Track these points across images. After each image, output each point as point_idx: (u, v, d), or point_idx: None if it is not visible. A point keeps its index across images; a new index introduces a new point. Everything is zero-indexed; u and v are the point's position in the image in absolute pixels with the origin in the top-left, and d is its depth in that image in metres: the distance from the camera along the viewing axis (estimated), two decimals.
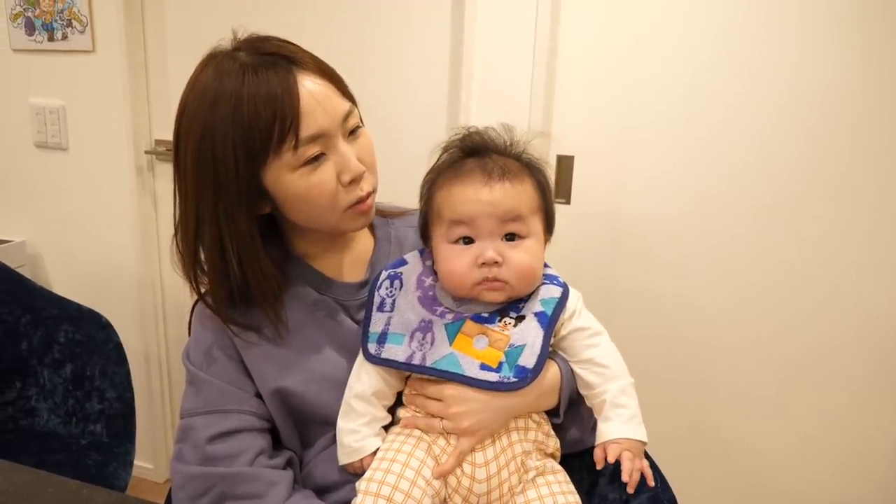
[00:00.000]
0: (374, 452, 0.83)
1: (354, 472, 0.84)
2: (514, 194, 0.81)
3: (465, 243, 0.82)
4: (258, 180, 0.82)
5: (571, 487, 0.84)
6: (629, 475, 0.78)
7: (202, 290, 0.90)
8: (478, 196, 0.81)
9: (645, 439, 0.81)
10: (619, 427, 0.81)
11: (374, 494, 0.75)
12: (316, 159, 0.82)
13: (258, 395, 0.89)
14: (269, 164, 0.81)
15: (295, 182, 0.82)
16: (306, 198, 0.83)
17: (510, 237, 0.82)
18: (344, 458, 0.85)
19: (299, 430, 0.92)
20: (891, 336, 1.47)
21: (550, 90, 1.57)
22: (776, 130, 1.45)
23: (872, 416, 1.52)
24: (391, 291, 0.88)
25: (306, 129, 0.80)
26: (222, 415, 0.86)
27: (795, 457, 1.59)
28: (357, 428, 0.84)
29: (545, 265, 0.88)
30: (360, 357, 0.87)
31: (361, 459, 0.83)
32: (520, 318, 0.83)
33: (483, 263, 0.80)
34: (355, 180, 0.85)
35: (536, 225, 0.84)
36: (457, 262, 0.82)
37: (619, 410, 0.82)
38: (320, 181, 0.82)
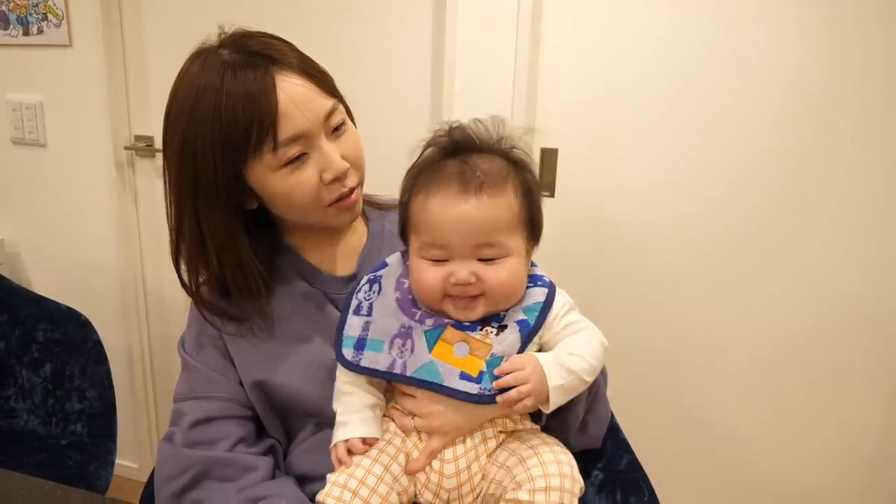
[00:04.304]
0: (364, 440, 0.80)
1: (338, 461, 0.80)
2: (492, 212, 0.77)
3: (439, 262, 0.79)
4: (241, 178, 0.84)
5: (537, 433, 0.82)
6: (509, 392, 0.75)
7: (189, 281, 0.92)
8: (453, 212, 0.77)
9: (549, 395, 0.75)
10: (544, 358, 0.77)
11: (342, 486, 0.76)
12: (298, 159, 0.83)
13: (242, 384, 0.91)
14: (250, 164, 0.82)
15: (277, 182, 0.83)
16: (289, 196, 0.84)
17: (485, 260, 0.78)
18: (334, 441, 0.83)
19: (281, 420, 0.92)
20: (879, 329, 1.48)
21: (533, 83, 1.56)
22: (761, 124, 1.45)
23: (859, 408, 1.52)
24: (368, 295, 0.86)
25: (284, 132, 0.81)
26: (206, 401, 0.89)
27: (782, 447, 1.60)
28: (347, 408, 0.83)
29: (532, 264, 0.86)
30: (339, 373, 0.85)
31: (347, 447, 0.80)
32: (502, 328, 0.80)
33: (455, 283, 0.77)
34: (339, 178, 0.85)
35: (516, 242, 0.79)
36: (427, 275, 0.79)
37: (560, 355, 0.77)
38: (301, 181, 0.83)
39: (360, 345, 0.82)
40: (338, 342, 0.84)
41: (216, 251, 0.86)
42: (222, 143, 0.80)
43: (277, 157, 0.81)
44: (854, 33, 1.36)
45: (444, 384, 0.77)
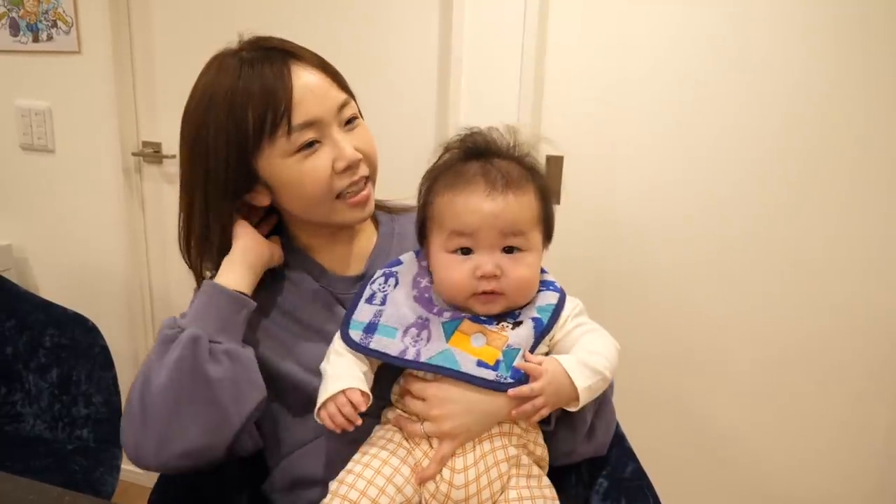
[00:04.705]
0: (363, 393, 0.78)
1: (336, 424, 0.78)
2: (517, 207, 0.80)
3: (464, 253, 0.81)
4: (251, 169, 0.86)
5: (546, 493, 0.82)
6: (527, 402, 0.77)
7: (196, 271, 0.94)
8: (480, 207, 0.80)
9: (579, 397, 0.77)
10: (568, 361, 0.78)
11: (342, 497, 0.76)
12: (310, 146, 0.85)
13: None
14: (263, 151, 0.84)
15: (289, 168, 0.85)
16: (301, 183, 0.86)
17: (509, 250, 0.81)
18: (322, 395, 0.80)
19: (277, 415, 0.91)
20: (884, 330, 1.47)
21: (539, 90, 1.56)
22: (766, 127, 1.45)
23: (865, 410, 1.52)
24: (384, 287, 0.88)
25: (298, 117, 0.83)
26: None
27: (788, 451, 1.59)
28: (337, 368, 0.82)
29: (542, 271, 0.88)
30: (336, 340, 0.85)
31: (348, 398, 0.78)
32: (517, 324, 0.82)
33: (481, 276, 0.80)
34: (350, 167, 0.87)
35: (536, 238, 0.83)
36: (454, 272, 0.81)
37: (582, 355, 0.80)
38: (314, 167, 0.85)
39: (371, 329, 0.84)
40: (345, 324, 0.85)
41: (218, 244, 0.90)
42: (236, 132, 0.83)
43: (291, 143, 0.83)
44: (860, 35, 1.36)
45: (462, 370, 0.79)
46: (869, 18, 1.35)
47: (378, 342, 0.82)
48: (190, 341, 0.81)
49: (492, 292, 0.80)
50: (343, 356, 0.83)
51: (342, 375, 0.80)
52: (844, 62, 1.38)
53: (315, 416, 0.80)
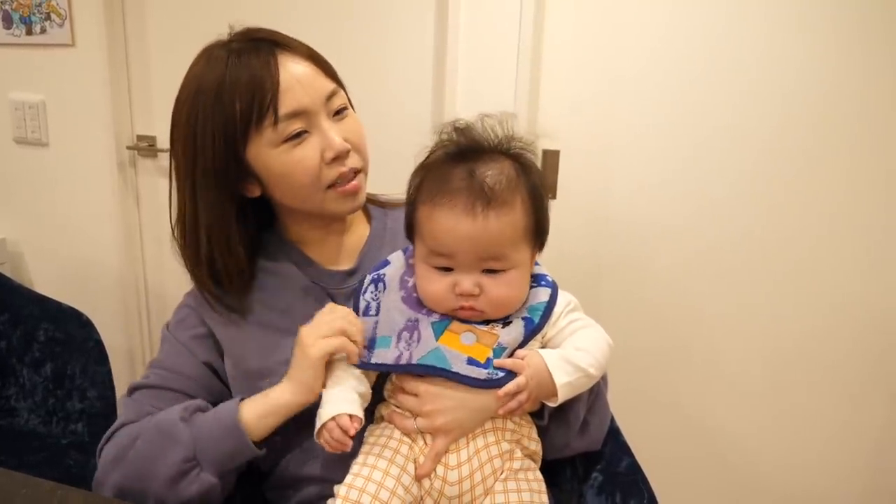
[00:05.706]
0: (351, 417, 0.78)
1: (332, 448, 0.78)
2: (498, 229, 0.77)
3: (444, 270, 0.80)
4: (240, 159, 0.85)
5: (533, 486, 0.82)
6: (513, 398, 0.77)
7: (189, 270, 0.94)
8: (458, 229, 0.77)
9: (557, 392, 0.77)
10: (550, 355, 0.79)
11: (354, 502, 0.75)
12: (298, 136, 0.84)
13: (207, 365, 0.91)
14: (251, 141, 0.84)
15: (277, 158, 0.84)
16: (289, 174, 0.85)
17: (489, 270, 0.79)
18: (318, 421, 0.79)
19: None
20: (880, 330, 1.47)
21: (535, 84, 1.56)
22: (764, 125, 1.44)
23: (860, 410, 1.52)
24: (375, 295, 0.87)
25: (285, 106, 0.83)
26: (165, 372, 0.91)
27: (783, 449, 1.60)
28: (333, 387, 0.82)
29: (535, 263, 0.87)
30: (338, 363, 0.84)
31: (338, 425, 0.77)
32: (507, 323, 0.82)
33: (460, 294, 0.79)
34: (339, 157, 0.86)
35: (522, 253, 0.80)
36: (434, 285, 0.80)
37: (567, 351, 0.80)
38: (302, 157, 0.84)
39: (371, 345, 0.83)
40: None
41: (207, 234, 0.88)
42: (223, 122, 0.82)
43: (278, 133, 0.83)
44: (857, 33, 1.36)
45: (452, 369, 0.78)
46: (866, 18, 1.35)
47: (378, 355, 0.82)
48: (205, 490, 0.82)
49: (471, 308, 0.79)
50: (342, 382, 0.81)
51: (334, 400, 0.79)
52: (841, 61, 1.37)
53: (315, 440, 0.79)
